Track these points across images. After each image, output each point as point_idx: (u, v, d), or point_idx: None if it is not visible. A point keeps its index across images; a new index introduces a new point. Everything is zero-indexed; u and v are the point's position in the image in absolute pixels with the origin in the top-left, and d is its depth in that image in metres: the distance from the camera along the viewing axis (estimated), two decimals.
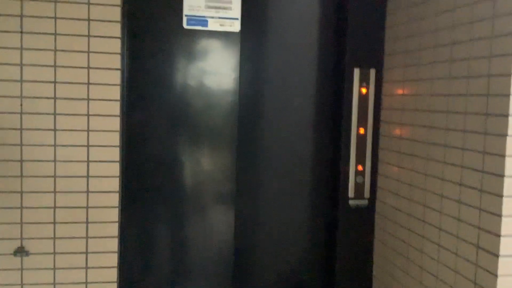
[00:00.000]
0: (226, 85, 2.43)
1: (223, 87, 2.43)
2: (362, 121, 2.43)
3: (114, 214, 2.16)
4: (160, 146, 2.41)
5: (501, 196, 1.59)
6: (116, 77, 2.12)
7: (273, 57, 2.48)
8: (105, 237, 2.16)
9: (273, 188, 2.54)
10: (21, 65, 2.02)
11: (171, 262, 2.48)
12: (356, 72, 2.40)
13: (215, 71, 2.42)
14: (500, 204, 1.59)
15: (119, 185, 2.19)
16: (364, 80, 2.41)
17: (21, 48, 2.02)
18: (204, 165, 2.47)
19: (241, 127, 2.46)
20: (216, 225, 2.49)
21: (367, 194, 2.47)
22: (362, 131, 2.43)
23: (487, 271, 1.65)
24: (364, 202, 2.48)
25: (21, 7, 2.00)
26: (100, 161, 2.13)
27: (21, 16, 2.00)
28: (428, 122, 2.01)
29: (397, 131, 2.28)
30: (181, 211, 2.45)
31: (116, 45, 2.11)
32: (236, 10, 2.39)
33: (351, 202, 2.46)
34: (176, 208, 2.45)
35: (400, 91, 2.25)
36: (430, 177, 2.01)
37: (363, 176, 2.46)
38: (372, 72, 2.41)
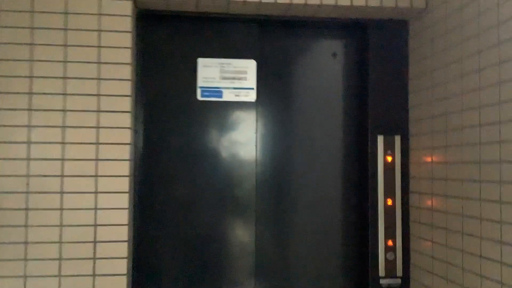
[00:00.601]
0: (242, 156, 2.32)
1: (240, 158, 2.32)
2: (389, 192, 2.25)
3: None
4: (177, 225, 2.29)
5: None
6: (126, 152, 2.04)
7: (291, 126, 2.38)
8: None
9: (296, 269, 2.34)
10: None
11: None
12: (380, 139, 2.26)
13: (232, 141, 2.32)
14: None
15: None
16: (388, 148, 2.26)
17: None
18: (222, 232, 2.32)
19: (259, 202, 2.32)
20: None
21: (399, 272, 2.24)
22: (390, 202, 2.25)
23: None
24: (397, 282, 2.25)
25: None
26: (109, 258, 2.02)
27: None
28: (461, 192, 1.83)
29: (428, 202, 2.09)
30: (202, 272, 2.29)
31: (126, 120, 2.04)
32: (251, 80, 2.32)
33: (382, 281, 2.24)
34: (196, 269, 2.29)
35: (428, 159, 2.09)
36: (467, 254, 1.79)
37: (394, 252, 2.24)
38: (397, 139, 2.27)
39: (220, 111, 2.32)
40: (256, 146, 2.32)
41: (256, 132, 2.33)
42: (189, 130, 2.30)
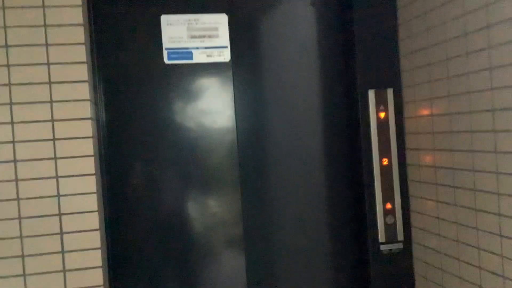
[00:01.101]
0: (220, 124, 2.08)
1: (217, 125, 2.08)
2: (384, 151, 2.05)
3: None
4: (152, 194, 2.05)
5: None
6: (87, 129, 1.77)
7: (272, 87, 2.14)
8: None
9: (288, 240, 2.15)
10: None
11: None
12: (371, 94, 2.05)
13: (207, 108, 2.07)
14: None
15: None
16: (381, 103, 2.05)
17: None
18: (203, 211, 2.10)
19: (243, 168, 2.09)
20: (225, 272, 2.10)
21: (400, 236, 2.07)
22: (385, 162, 2.06)
23: None
24: (399, 246, 2.08)
25: None
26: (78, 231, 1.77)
27: None
28: (470, 144, 1.64)
29: (429, 158, 1.90)
30: (185, 261, 2.07)
31: (83, 91, 1.76)
32: (224, 37, 2.06)
33: (382, 247, 2.07)
34: (179, 260, 2.06)
35: (427, 111, 1.89)
36: (481, 212, 1.62)
37: (394, 215, 2.06)
38: (389, 92, 2.06)
39: (191, 75, 2.06)
40: (235, 112, 2.08)
41: (234, 97, 2.08)
42: (158, 98, 2.03)
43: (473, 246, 1.66)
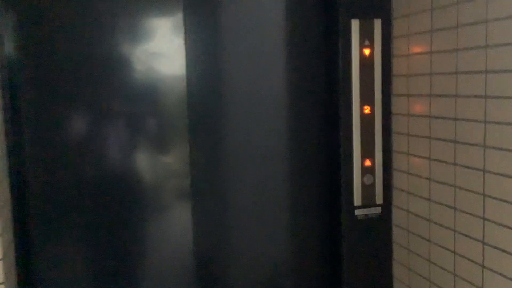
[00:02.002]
0: (168, 69, 1.66)
1: (163, 77, 1.66)
2: (367, 96, 1.69)
3: None
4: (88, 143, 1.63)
5: None
6: None
7: (232, 25, 1.71)
8: None
9: (239, 190, 1.78)
10: None
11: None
12: (355, 24, 1.65)
13: (152, 54, 1.64)
14: None
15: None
16: (366, 37, 1.66)
17: None
18: (150, 162, 1.70)
19: (192, 116, 1.69)
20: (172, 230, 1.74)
21: (379, 199, 1.74)
22: (367, 109, 1.69)
23: None
24: (376, 211, 1.75)
25: None
26: None
27: None
28: (482, 89, 1.29)
29: (421, 107, 1.55)
30: (127, 217, 1.68)
31: None
32: None
33: (358, 212, 1.73)
34: (121, 215, 1.67)
35: (424, 48, 1.52)
36: (471, 170, 1.30)
37: (373, 175, 1.72)
38: (377, 23, 1.67)
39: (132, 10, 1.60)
40: (186, 59, 1.65)
41: (185, 39, 1.64)
42: (83, 40, 1.57)
43: (476, 216, 1.34)
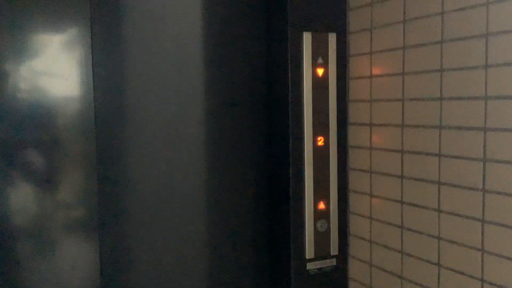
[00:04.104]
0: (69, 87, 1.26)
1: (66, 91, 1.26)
2: (320, 125, 1.39)
3: None
4: None
5: None
6: None
7: (145, 31, 1.36)
8: None
9: (162, 243, 1.40)
10: None
11: None
12: (307, 38, 1.36)
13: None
14: None
15: None
16: (319, 53, 1.38)
17: None
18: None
19: (101, 144, 1.29)
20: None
21: (334, 249, 1.44)
22: (320, 141, 1.40)
23: None
24: (331, 263, 1.44)
25: None
26: None
27: None
28: (457, 118, 1.04)
29: (382, 139, 1.29)
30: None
31: None
32: None
33: (310, 265, 1.41)
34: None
35: (386, 68, 1.26)
36: (444, 214, 1.05)
37: (328, 220, 1.42)
38: (332, 37, 1.39)
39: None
40: (93, 78, 1.27)
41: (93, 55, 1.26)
42: None
43: (450, 269, 1.07)
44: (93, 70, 1.29)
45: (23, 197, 1.29)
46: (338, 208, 1.43)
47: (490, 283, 1.01)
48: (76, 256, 1.33)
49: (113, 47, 1.32)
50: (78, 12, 1.28)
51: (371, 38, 1.34)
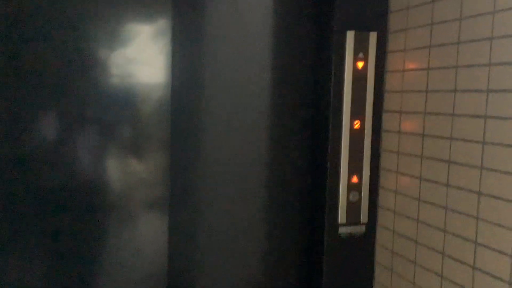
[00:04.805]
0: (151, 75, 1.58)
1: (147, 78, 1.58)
2: (357, 111, 1.64)
3: None
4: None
5: None
6: None
7: (220, 30, 1.64)
8: None
9: (220, 201, 1.70)
10: None
11: None
12: (350, 36, 1.60)
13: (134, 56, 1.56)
14: None
15: None
16: (360, 49, 1.62)
17: None
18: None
19: (175, 127, 1.60)
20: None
21: (364, 217, 1.68)
22: (357, 125, 1.64)
23: None
24: (361, 229, 1.69)
25: None
26: None
27: None
28: (481, 108, 1.25)
29: (414, 124, 1.51)
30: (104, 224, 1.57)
31: None
32: None
33: (341, 230, 1.67)
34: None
35: (420, 64, 1.48)
36: (465, 192, 1.26)
37: (359, 192, 1.67)
38: (373, 36, 1.63)
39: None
40: (171, 65, 1.57)
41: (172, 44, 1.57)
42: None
43: (466, 239, 1.29)
44: (172, 60, 1.59)
45: (107, 170, 1.61)
46: (370, 182, 1.67)
47: None
48: (147, 227, 1.65)
49: (191, 40, 1.62)
50: (161, 7, 1.58)
51: (405, 37, 1.56)
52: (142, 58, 1.58)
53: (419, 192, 1.48)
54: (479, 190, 1.25)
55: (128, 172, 1.62)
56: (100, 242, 1.58)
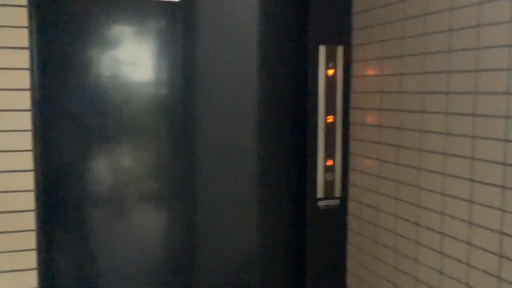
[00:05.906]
0: (157, 73, 1.98)
1: (152, 75, 1.98)
2: (330, 108, 2.07)
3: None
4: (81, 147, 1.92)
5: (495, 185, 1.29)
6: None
7: (211, 43, 2.05)
8: None
9: (233, 194, 2.12)
10: None
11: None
12: (322, 50, 2.03)
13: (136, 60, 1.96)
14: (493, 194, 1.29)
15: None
16: (330, 60, 2.05)
17: None
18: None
19: (174, 118, 2.02)
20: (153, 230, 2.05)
21: (338, 193, 2.12)
22: (330, 119, 2.07)
23: (483, 271, 1.37)
24: (335, 202, 2.13)
25: None
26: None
27: None
28: (420, 105, 1.68)
29: (373, 118, 1.94)
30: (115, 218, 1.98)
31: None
32: None
33: (320, 203, 2.11)
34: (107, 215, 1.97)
35: (374, 71, 1.91)
36: (424, 172, 1.69)
37: (333, 173, 2.10)
38: (340, 49, 2.05)
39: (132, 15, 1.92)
40: (182, 65, 1.98)
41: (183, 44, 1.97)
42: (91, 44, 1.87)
43: (412, 203, 1.73)
44: (183, 61, 1.99)
45: (122, 160, 2.02)
46: (341, 165, 2.10)
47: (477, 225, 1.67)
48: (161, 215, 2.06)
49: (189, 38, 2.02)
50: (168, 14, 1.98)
51: (366, 50, 1.99)
52: (131, 58, 1.95)
53: (378, 170, 1.92)
54: (419, 166, 1.69)
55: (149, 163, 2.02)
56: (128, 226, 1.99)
